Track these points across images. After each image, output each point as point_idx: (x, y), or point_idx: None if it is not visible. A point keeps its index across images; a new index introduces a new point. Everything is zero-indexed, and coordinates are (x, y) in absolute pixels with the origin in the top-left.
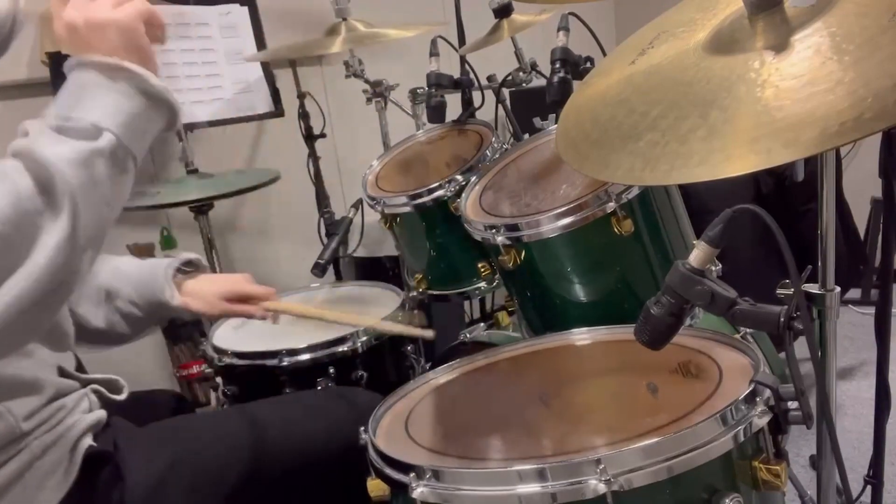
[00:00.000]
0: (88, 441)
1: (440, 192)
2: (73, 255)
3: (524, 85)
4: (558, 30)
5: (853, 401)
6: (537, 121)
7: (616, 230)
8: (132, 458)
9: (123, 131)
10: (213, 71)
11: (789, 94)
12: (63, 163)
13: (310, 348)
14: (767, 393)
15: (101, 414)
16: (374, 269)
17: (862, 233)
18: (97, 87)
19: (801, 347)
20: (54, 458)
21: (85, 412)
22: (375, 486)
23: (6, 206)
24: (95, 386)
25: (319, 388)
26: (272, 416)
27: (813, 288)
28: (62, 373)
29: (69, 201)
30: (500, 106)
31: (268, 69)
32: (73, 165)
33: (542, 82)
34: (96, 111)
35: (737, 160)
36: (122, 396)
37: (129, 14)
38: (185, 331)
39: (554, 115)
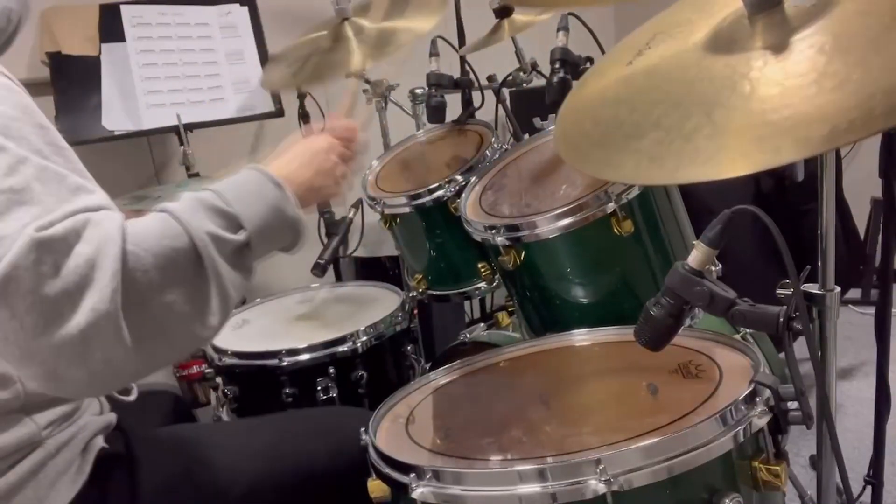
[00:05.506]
0: (100, 442)
1: (440, 193)
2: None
3: (524, 85)
4: (558, 30)
5: (853, 401)
6: (537, 121)
7: (616, 230)
8: (145, 463)
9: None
10: (213, 71)
11: (795, 93)
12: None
13: (310, 348)
14: (767, 393)
15: (111, 417)
16: (374, 269)
17: (862, 233)
18: (258, 193)
19: (801, 347)
20: (67, 458)
21: (95, 414)
22: (376, 487)
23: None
24: None
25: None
26: (280, 431)
27: (813, 288)
28: None
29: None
30: (500, 106)
31: None
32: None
33: (542, 82)
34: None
35: (745, 158)
36: (132, 397)
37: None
38: None
39: (554, 115)
